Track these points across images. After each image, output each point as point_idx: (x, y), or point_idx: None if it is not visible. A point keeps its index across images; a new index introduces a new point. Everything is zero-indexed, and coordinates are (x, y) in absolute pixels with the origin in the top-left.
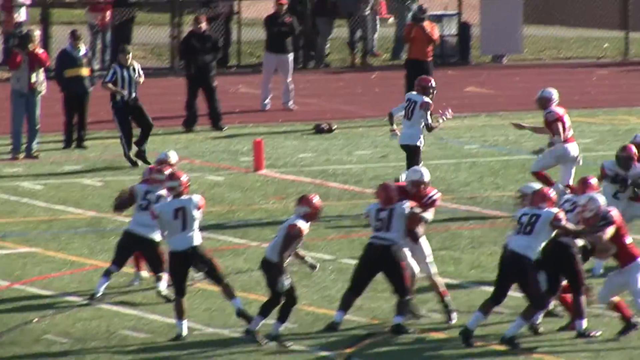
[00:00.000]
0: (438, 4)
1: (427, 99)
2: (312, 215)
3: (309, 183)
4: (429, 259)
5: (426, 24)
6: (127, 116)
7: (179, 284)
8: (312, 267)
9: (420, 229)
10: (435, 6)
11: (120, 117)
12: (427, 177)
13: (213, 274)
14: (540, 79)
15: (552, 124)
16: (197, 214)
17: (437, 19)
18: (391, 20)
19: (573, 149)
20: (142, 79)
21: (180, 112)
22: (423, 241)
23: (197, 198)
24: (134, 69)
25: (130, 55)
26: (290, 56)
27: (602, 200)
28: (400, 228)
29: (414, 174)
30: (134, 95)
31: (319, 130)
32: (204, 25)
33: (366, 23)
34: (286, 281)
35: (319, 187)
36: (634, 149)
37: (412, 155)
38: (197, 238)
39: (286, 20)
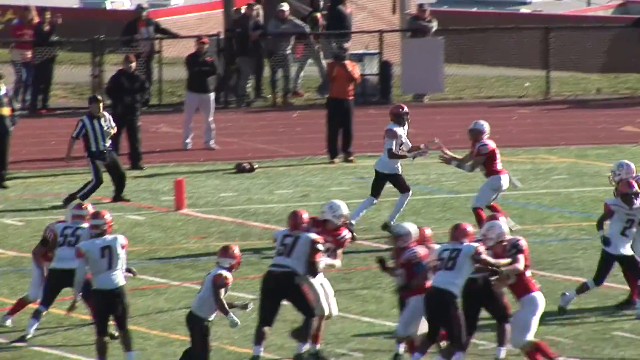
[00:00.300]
0: (359, 43)
1: (392, 127)
2: (235, 266)
3: (230, 222)
4: (331, 299)
5: (348, 62)
6: (101, 167)
7: (101, 323)
8: (244, 307)
9: (320, 264)
10: (356, 45)
11: (96, 168)
12: (344, 210)
13: (122, 319)
14: (461, 118)
15: (480, 157)
16: (122, 254)
17: (358, 58)
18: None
19: (505, 180)
20: (113, 130)
21: (122, 150)
22: (326, 282)
23: (122, 237)
24: (105, 119)
25: (102, 104)
26: (212, 95)
27: (503, 227)
28: (301, 256)
29: (334, 207)
30: (108, 145)
31: (240, 169)
32: (134, 65)
33: (287, 62)
34: (236, 320)
35: (240, 227)
36: (635, 185)
37: (395, 182)
38: (122, 278)
39: (207, 60)
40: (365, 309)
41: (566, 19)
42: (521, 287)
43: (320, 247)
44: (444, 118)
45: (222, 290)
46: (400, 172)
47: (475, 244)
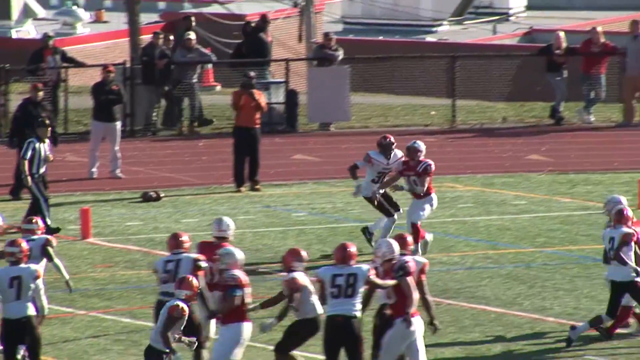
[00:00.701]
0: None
1: (371, 154)
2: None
3: (137, 251)
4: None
5: (255, 91)
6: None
7: (8, 352)
8: (190, 344)
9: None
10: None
11: (39, 187)
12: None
13: (32, 349)
14: (368, 147)
15: (426, 175)
16: (33, 285)
17: (265, 86)
18: (218, 88)
19: (435, 198)
20: (51, 157)
21: (7, 180)
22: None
23: (34, 267)
24: (46, 145)
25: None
26: (118, 124)
27: (393, 247)
28: None
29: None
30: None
31: (146, 198)
32: (41, 94)
33: (193, 91)
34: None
35: (147, 255)
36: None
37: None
38: (31, 308)
39: (114, 88)
40: (272, 337)
41: (472, 48)
42: (399, 308)
43: (202, 264)
44: (350, 147)
45: (177, 323)
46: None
47: (366, 266)
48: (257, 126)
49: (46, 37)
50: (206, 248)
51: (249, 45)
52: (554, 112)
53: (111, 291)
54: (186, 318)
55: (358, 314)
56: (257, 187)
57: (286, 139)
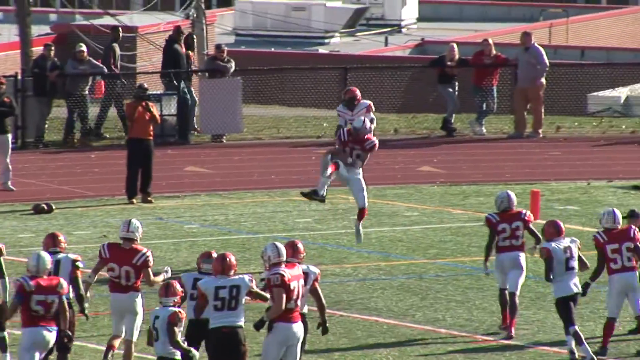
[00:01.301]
0: (158, 83)
1: (338, 108)
2: (179, 302)
3: None
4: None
5: (148, 103)
6: None
7: None
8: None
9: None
10: (155, 85)
11: None
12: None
13: None
14: (260, 158)
15: (370, 153)
16: None
17: (157, 98)
18: None
19: None
20: None
21: None
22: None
23: None
24: None
25: None
26: (9, 136)
27: (280, 251)
28: (65, 278)
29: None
30: None
31: (38, 210)
32: None
33: (85, 103)
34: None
35: None
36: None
37: None
38: None
39: (5, 100)
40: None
41: (364, 59)
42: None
43: (80, 264)
44: (242, 158)
45: (177, 329)
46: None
47: (248, 277)
48: (151, 137)
49: None
50: (113, 249)
51: (164, 57)
52: (445, 124)
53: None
54: (183, 321)
55: (242, 324)
56: (150, 199)
57: (178, 150)
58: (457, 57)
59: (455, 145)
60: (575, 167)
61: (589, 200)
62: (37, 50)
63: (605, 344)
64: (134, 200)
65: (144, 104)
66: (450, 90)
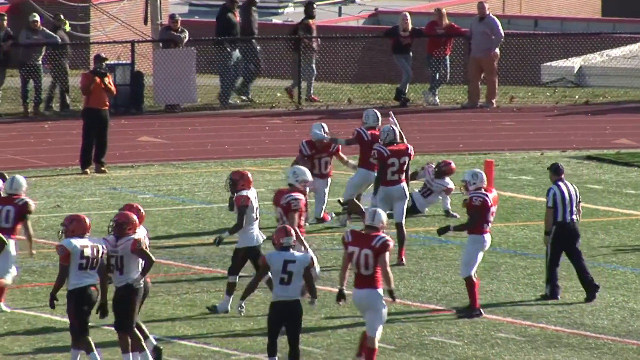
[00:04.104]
0: (111, 53)
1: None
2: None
3: None
4: None
5: (105, 73)
6: None
7: None
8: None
9: None
10: (108, 55)
11: None
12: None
13: None
14: (213, 128)
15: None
16: None
17: (111, 68)
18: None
19: None
20: None
21: None
22: None
23: None
24: None
25: None
26: None
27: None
28: None
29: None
30: None
31: None
32: None
33: (39, 72)
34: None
35: None
36: None
37: None
38: None
39: None
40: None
41: (318, 29)
42: None
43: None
44: (197, 128)
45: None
46: None
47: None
48: (107, 108)
49: None
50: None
51: (218, 24)
52: (399, 94)
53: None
54: None
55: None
56: (103, 168)
57: (132, 120)
58: (410, 27)
59: (408, 116)
60: (529, 137)
61: (542, 170)
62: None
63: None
64: (87, 171)
65: (101, 74)
66: (404, 60)
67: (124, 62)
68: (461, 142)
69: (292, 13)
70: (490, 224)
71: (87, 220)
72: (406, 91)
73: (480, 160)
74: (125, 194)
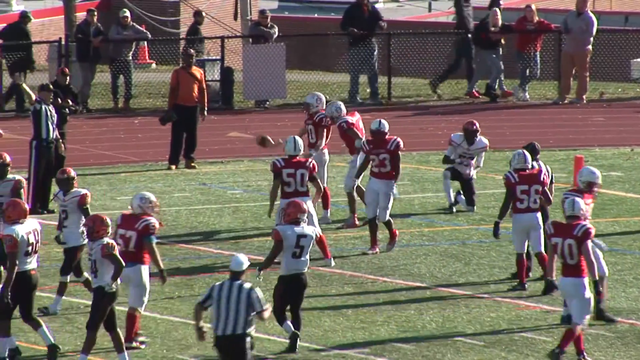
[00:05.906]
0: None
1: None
2: None
3: None
4: None
5: (194, 68)
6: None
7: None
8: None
9: None
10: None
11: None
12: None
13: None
14: (303, 124)
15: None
16: None
17: (200, 64)
18: (153, 65)
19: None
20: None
21: None
22: None
23: None
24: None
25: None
26: None
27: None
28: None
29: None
30: None
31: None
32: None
33: (129, 68)
34: None
35: None
36: None
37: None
38: None
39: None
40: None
41: (407, 25)
42: None
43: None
44: (286, 124)
45: None
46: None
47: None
48: (196, 104)
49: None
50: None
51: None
52: (488, 90)
53: (47, 269)
54: None
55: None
56: (193, 164)
57: (221, 116)
58: (500, 22)
59: (498, 112)
60: (619, 132)
61: (632, 166)
62: (81, 15)
63: (522, 280)
64: (172, 167)
65: (190, 70)
66: (494, 56)
67: (214, 57)
68: (551, 137)
69: (382, 9)
70: (528, 203)
71: (26, 206)
72: (496, 87)
73: (570, 156)
74: (214, 189)
